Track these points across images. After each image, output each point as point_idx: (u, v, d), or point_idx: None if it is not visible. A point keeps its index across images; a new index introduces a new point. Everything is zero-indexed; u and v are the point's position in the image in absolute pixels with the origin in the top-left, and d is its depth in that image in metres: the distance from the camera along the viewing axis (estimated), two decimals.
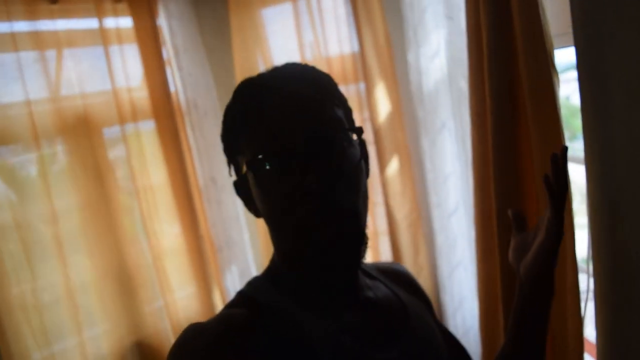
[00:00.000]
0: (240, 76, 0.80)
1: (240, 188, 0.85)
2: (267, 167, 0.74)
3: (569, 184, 0.91)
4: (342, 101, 0.84)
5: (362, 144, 0.84)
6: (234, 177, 0.87)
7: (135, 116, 2.10)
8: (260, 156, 0.75)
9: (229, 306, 0.83)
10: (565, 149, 0.88)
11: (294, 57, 2.18)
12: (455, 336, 1.03)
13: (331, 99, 0.79)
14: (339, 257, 0.74)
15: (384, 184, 2.07)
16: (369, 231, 2.06)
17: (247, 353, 0.71)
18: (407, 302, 0.91)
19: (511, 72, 1.20)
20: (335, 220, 0.72)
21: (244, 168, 0.80)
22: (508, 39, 1.17)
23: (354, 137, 0.79)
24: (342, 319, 0.80)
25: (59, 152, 1.99)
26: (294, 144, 0.72)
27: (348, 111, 0.85)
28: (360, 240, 0.77)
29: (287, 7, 2.21)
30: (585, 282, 1.22)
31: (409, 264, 2.10)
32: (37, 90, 1.90)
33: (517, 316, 0.95)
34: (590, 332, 1.38)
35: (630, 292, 0.95)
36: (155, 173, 2.16)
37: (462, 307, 1.96)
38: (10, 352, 1.83)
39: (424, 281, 2.10)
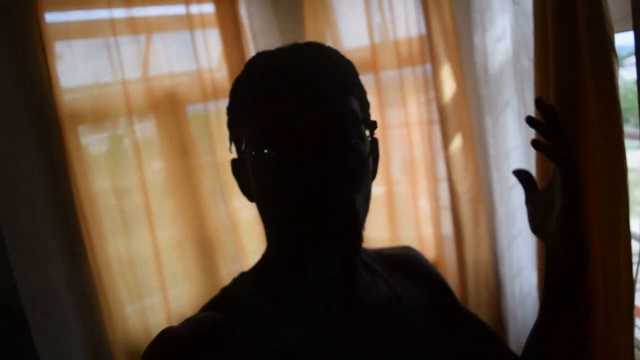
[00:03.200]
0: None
1: (238, 168, 0.81)
2: (269, 149, 0.70)
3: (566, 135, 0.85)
4: (360, 92, 0.79)
5: (374, 142, 0.81)
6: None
7: (216, 95, 2.28)
8: (262, 136, 0.71)
9: (209, 305, 0.80)
10: (538, 99, 0.81)
11: (363, 40, 2.30)
12: (482, 321, 1.01)
13: (349, 88, 0.75)
14: (329, 254, 0.70)
15: (448, 160, 2.18)
16: (431, 204, 2.18)
17: (223, 358, 0.68)
18: (408, 302, 0.86)
19: (573, 55, 1.29)
20: (329, 216, 0.68)
21: (247, 149, 0.76)
22: (571, 23, 1.27)
23: (367, 133, 0.76)
24: (329, 321, 0.77)
25: (149, 127, 2.21)
26: (301, 130, 0.68)
27: (365, 104, 0.80)
28: (353, 240, 0.73)
29: None
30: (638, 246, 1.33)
31: (469, 236, 2.21)
32: (130, 70, 2.12)
33: (549, 284, 0.88)
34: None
35: None
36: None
37: (520, 276, 2.07)
38: (108, 303, 2.06)
39: (483, 252, 2.21)
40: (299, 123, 0.68)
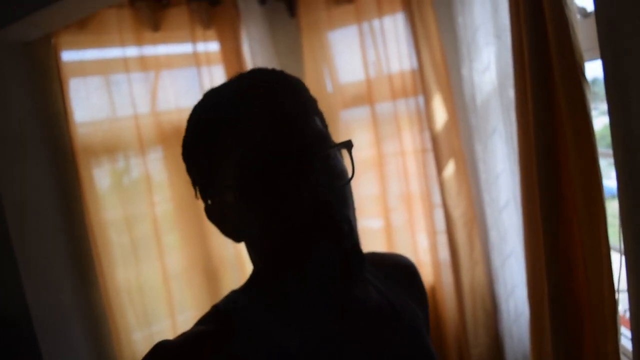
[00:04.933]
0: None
1: (214, 214, 0.77)
2: (256, 179, 0.68)
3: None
4: (316, 106, 0.78)
5: (350, 157, 0.76)
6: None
7: None
8: (247, 171, 0.68)
9: (202, 320, 0.77)
10: None
11: (359, 74, 2.43)
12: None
13: (309, 106, 0.74)
14: (336, 270, 0.69)
15: (442, 186, 2.28)
16: (427, 230, 2.26)
17: None
18: (400, 308, 0.85)
19: (548, 82, 1.42)
20: (331, 238, 0.68)
21: (220, 190, 0.73)
22: (545, 54, 1.40)
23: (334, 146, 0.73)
24: (323, 333, 0.75)
25: (158, 159, 2.32)
26: (284, 155, 0.67)
27: (322, 116, 0.79)
28: (357, 261, 0.72)
29: (352, 30, 2.45)
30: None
31: (465, 260, 2.29)
32: (140, 105, 2.24)
33: None
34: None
35: None
36: None
37: (514, 295, 2.14)
38: (117, 328, 2.13)
39: (478, 274, 2.29)
40: (281, 145, 0.67)
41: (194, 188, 0.78)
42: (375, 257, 0.96)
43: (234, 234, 0.78)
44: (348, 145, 0.74)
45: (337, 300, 0.77)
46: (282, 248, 0.70)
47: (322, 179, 0.68)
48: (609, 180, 1.52)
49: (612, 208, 1.41)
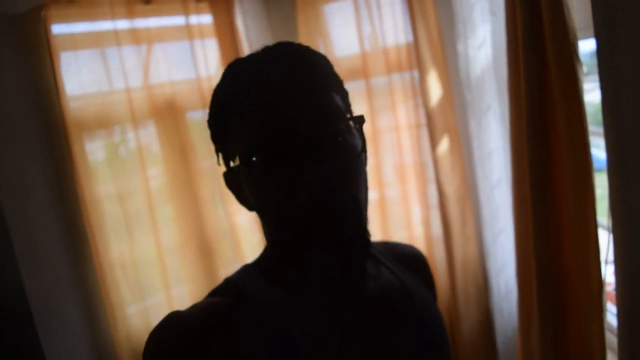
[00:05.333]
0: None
1: (231, 180, 0.80)
2: (265, 159, 0.68)
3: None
4: (339, 84, 0.78)
5: (361, 133, 0.77)
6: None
7: None
8: (255, 145, 0.69)
9: (213, 293, 0.79)
10: None
11: (354, 48, 2.41)
12: None
13: (330, 83, 0.74)
14: (340, 251, 0.69)
15: (436, 162, 2.28)
16: (421, 205, 2.27)
17: (226, 345, 0.68)
18: (414, 290, 0.86)
19: (541, 61, 1.40)
20: (336, 213, 0.67)
21: (236, 159, 0.74)
22: (538, 33, 1.38)
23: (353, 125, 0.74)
24: (334, 313, 0.75)
25: (150, 133, 2.30)
26: (293, 132, 0.67)
27: (345, 95, 0.79)
28: (362, 234, 0.72)
29: (348, 3, 2.41)
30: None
31: (457, 236, 2.30)
32: (132, 79, 2.22)
33: None
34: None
35: None
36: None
37: (505, 271, 2.16)
38: (111, 304, 2.14)
39: (470, 250, 2.31)
40: (291, 125, 0.67)
41: (217, 155, 0.80)
42: (386, 245, 0.97)
43: (247, 204, 0.79)
44: (359, 120, 0.74)
45: (349, 280, 0.78)
46: (284, 226, 0.71)
47: (330, 155, 0.68)
48: (599, 151, 1.52)
49: (601, 180, 1.41)
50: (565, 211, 1.49)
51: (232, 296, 0.76)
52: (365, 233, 0.73)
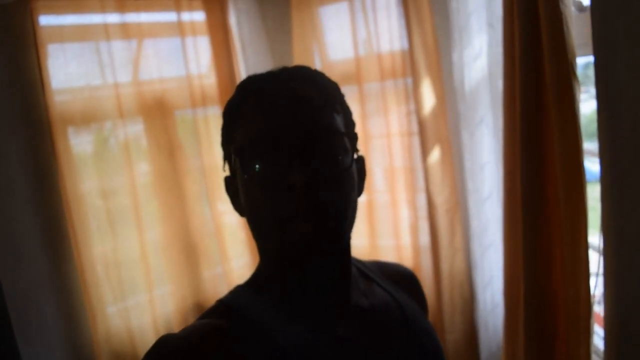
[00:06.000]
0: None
1: (229, 185, 0.83)
2: (254, 161, 0.72)
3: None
4: (344, 111, 0.82)
5: (360, 160, 0.82)
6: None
7: (204, 101, 2.34)
8: (248, 148, 0.73)
9: (206, 314, 0.80)
10: None
11: (348, 52, 2.38)
12: None
13: (332, 104, 0.77)
14: (316, 251, 0.70)
15: (426, 172, 2.25)
16: (410, 215, 2.26)
17: None
18: (406, 306, 0.87)
19: (538, 76, 1.38)
20: (315, 217, 0.69)
21: (234, 162, 0.77)
22: (536, 48, 1.36)
23: (351, 149, 0.77)
24: (328, 331, 0.77)
25: (138, 130, 2.25)
26: (286, 138, 0.70)
27: (350, 122, 0.83)
28: (339, 239, 0.75)
29: (344, 6, 2.38)
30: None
31: (445, 246, 2.28)
32: (121, 74, 2.17)
33: None
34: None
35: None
36: (219, 153, 2.40)
37: (492, 285, 2.14)
38: (91, 303, 2.09)
39: (458, 262, 2.29)
40: (284, 132, 0.71)
41: (224, 162, 0.83)
42: (377, 264, 0.98)
43: (239, 210, 0.82)
44: (351, 135, 0.78)
45: (340, 297, 0.80)
46: (269, 230, 0.73)
47: (317, 163, 0.71)
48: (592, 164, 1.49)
49: (594, 191, 1.38)
50: (556, 230, 1.47)
51: (225, 317, 0.76)
52: (341, 241, 0.76)
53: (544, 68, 1.34)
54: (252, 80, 0.81)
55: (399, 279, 0.96)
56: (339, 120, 0.77)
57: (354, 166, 0.77)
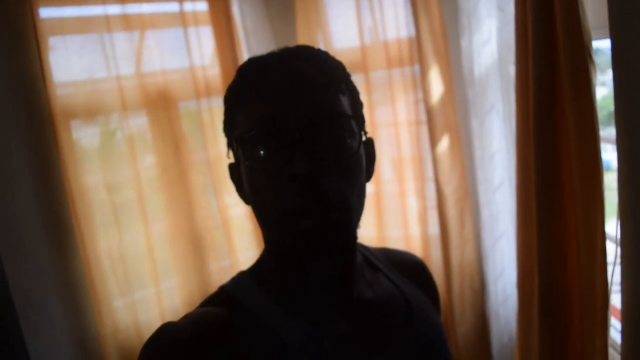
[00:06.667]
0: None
1: (234, 172, 0.80)
2: (257, 147, 0.69)
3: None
4: (351, 91, 0.78)
5: (369, 142, 0.80)
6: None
7: (208, 92, 2.31)
8: (251, 134, 0.70)
9: (208, 301, 0.78)
10: None
11: (353, 40, 2.33)
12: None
13: (337, 85, 0.73)
14: (319, 248, 0.68)
15: (435, 161, 2.21)
16: (419, 205, 2.22)
17: (222, 356, 0.68)
18: (412, 298, 0.84)
19: (552, 60, 1.33)
20: (319, 208, 0.67)
21: (238, 149, 0.74)
22: (550, 31, 1.31)
23: (359, 131, 0.74)
24: (329, 322, 0.75)
25: (142, 123, 2.22)
26: (288, 124, 0.67)
27: (357, 103, 0.79)
28: (345, 234, 0.71)
29: None
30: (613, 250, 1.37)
31: (455, 237, 2.24)
32: (124, 66, 2.14)
33: None
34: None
35: None
36: (225, 144, 2.37)
37: (503, 276, 2.11)
38: (97, 297, 2.08)
39: (468, 252, 2.25)
40: (287, 117, 0.68)
41: (227, 149, 0.81)
42: (385, 252, 0.96)
43: (244, 197, 0.80)
44: (359, 120, 0.75)
45: (343, 291, 0.77)
46: (273, 218, 0.70)
47: (321, 148, 0.68)
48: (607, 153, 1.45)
49: (608, 180, 1.34)
50: (571, 218, 1.42)
51: (226, 305, 0.75)
52: (348, 228, 0.72)
53: (559, 52, 1.29)
54: (252, 62, 0.77)
55: (407, 268, 0.93)
56: (344, 101, 0.74)
57: (362, 149, 0.74)
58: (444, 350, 0.83)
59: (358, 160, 0.73)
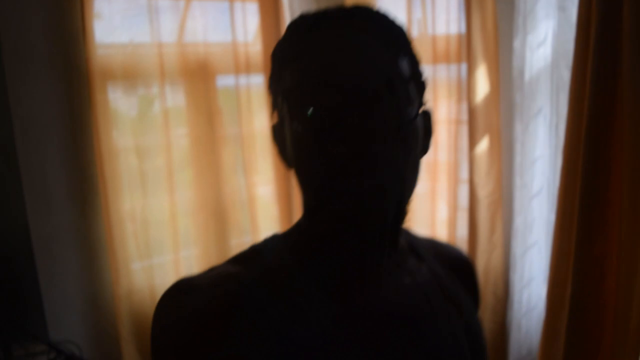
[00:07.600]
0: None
1: (277, 133, 0.76)
2: (306, 100, 0.65)
3: None
4: (412, 56, 0.71)
5: (427, 115, 0.74)
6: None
7: (248, 69, 2.28)
8: (301, 85, 0.65)
9: (236, 259, 0.74)
10: None
11: None
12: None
13: (396, 47, 0.68)
14: (354, 230, 0.65)
15: (471, 162, 2.16)
16: (449, 205, 2.16)
17: (234, 319, 0.64)
18: (453, 293, 0.80)
19: (614, 66, 1.27)
20: (367, 173, 0.62)
21: (284, 108, 0.70)
22: (615, 35, 1.24)
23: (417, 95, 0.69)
24: (354, 302, 0.71)
25: (178, 92, 2.21)
26: (340, 81, 0.63)
27: (417, 69, 0.72)
28: (393, 204, 0.66)
29: None
30: None
31: (483, 241, 2.19)
32: (166, 34, 2.12)
33: None
34: None
35: None
36: (259, 122, 2.36)
37: (530, 286, 2.04)
38: (116, 257, 2.08)
39: (495, 259, 2.19)
40: (336, 81, 0.63)
41: (272, 111, 0.76)
42: (432, 243, 0.90)
43: (287, 160, 0.75)
44: (418, 82, 0.69)
45: (374, 269, 0.73)
46: (315, 183, 0.67)
47: (372, 113, 0.62)
48: None
49: None
50: (614, 233, 1.36)
51: (253, 269, 0.70)
52: (400, 204, 0.68)
53: (622, 56, 1.22)
54: (304, 18, 0.71)
55: (452, 263, 0.87)
56: (404, 65, 0.67)
57: (419, 120, 0.69)
58: (481, 349, 0.79)
59: (413, 131, 0.68)
